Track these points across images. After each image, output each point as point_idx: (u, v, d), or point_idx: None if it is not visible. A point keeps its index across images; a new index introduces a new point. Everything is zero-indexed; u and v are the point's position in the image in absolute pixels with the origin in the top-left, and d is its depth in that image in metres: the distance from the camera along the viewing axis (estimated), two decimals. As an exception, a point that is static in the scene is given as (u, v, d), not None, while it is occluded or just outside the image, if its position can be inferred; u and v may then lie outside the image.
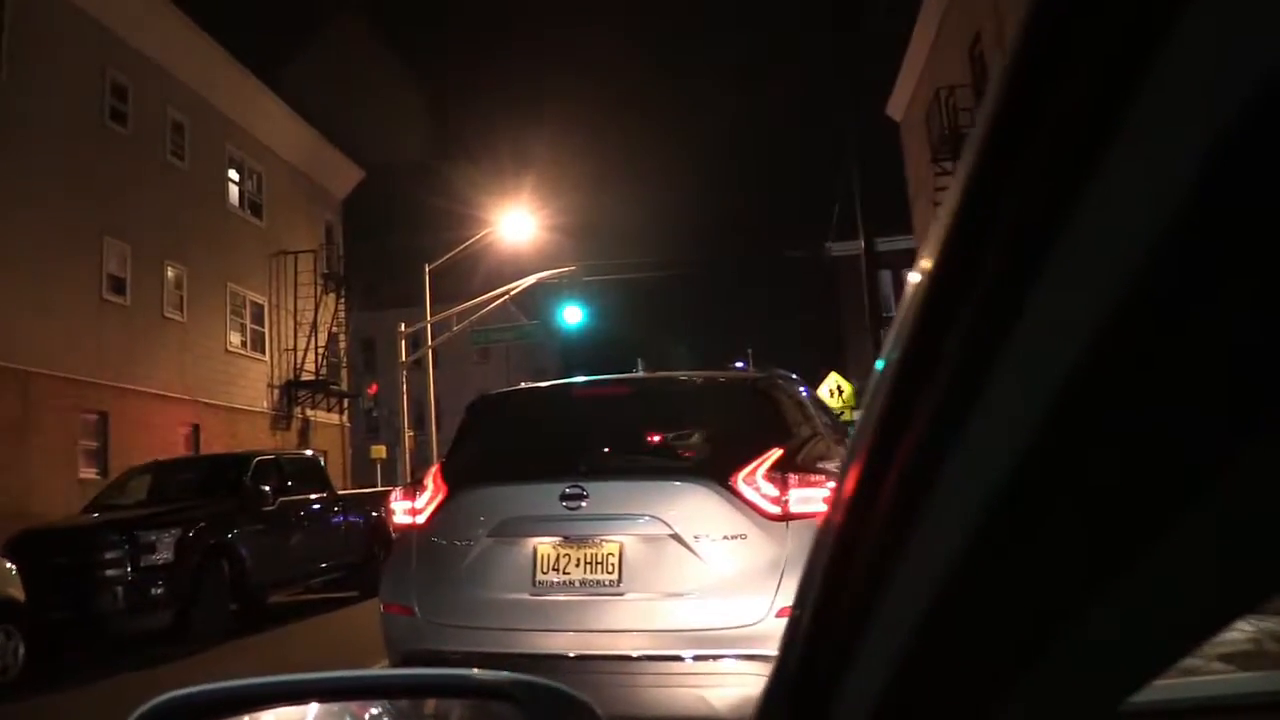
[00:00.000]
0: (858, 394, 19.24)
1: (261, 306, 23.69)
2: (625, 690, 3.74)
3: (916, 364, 0.42)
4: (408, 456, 24.86)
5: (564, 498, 3.96)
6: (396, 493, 4.63)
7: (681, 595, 3.79)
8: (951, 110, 20.55)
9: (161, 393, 19.04)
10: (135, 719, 1.01)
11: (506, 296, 24.46)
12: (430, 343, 24.82)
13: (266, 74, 23.76)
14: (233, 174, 23.07)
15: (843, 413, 16.00)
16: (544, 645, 3.89)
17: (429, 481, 4.44)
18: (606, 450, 4.42)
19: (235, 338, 22.54)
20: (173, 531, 10.17)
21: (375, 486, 19.67)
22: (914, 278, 0.43)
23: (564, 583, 3.94)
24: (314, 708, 1.29)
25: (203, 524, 10.66)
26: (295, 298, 24.62)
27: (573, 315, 26.94)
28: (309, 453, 16.41)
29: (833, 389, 20.17)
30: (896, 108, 29.10)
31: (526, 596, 3.98)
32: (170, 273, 20.03)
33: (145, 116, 19.44)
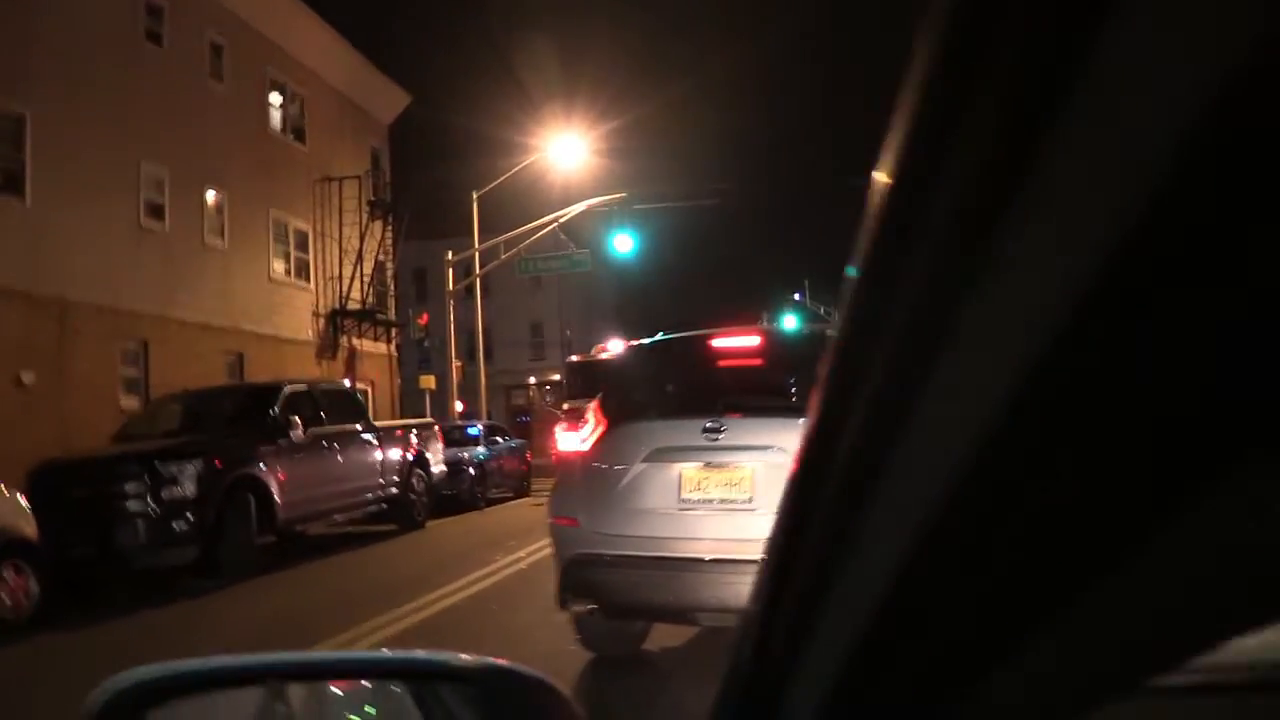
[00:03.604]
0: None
1: (306, 234, 23.22)
2: None
3: (871, 323, 0.40)
4: (455, 387, 24.56)
5: (705, 431, 4.66)
6: (561, 425, 5.94)
7: None
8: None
9: (204, 321, 18.76)
10: (98, 697, 1.01)
11: (554, 224, 23.85)
12: (479, 271, 24.37)
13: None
14: (274, 97, 22.45)
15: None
16: (687, 550, 4.59)
17: (590, 416, 5.21)
18: (740, 391, 5.07)
19: (279, 265, 22.13)
20: (196, 463, 9.81)
21: (424, 416, 19.37)
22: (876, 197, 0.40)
23: (705, 500, 4.66)
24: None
25: (228, 455, 10.29)
26: (341, 225, 24.10)
27: (624, 244, 26.26)
28: (345, 383, 16.07)
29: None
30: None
31: (674, 510, 4.70)
32: (210, 198, 19.62)
33: (182, 37, 18.88)
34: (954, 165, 0.33)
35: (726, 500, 4.62)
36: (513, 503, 17.92)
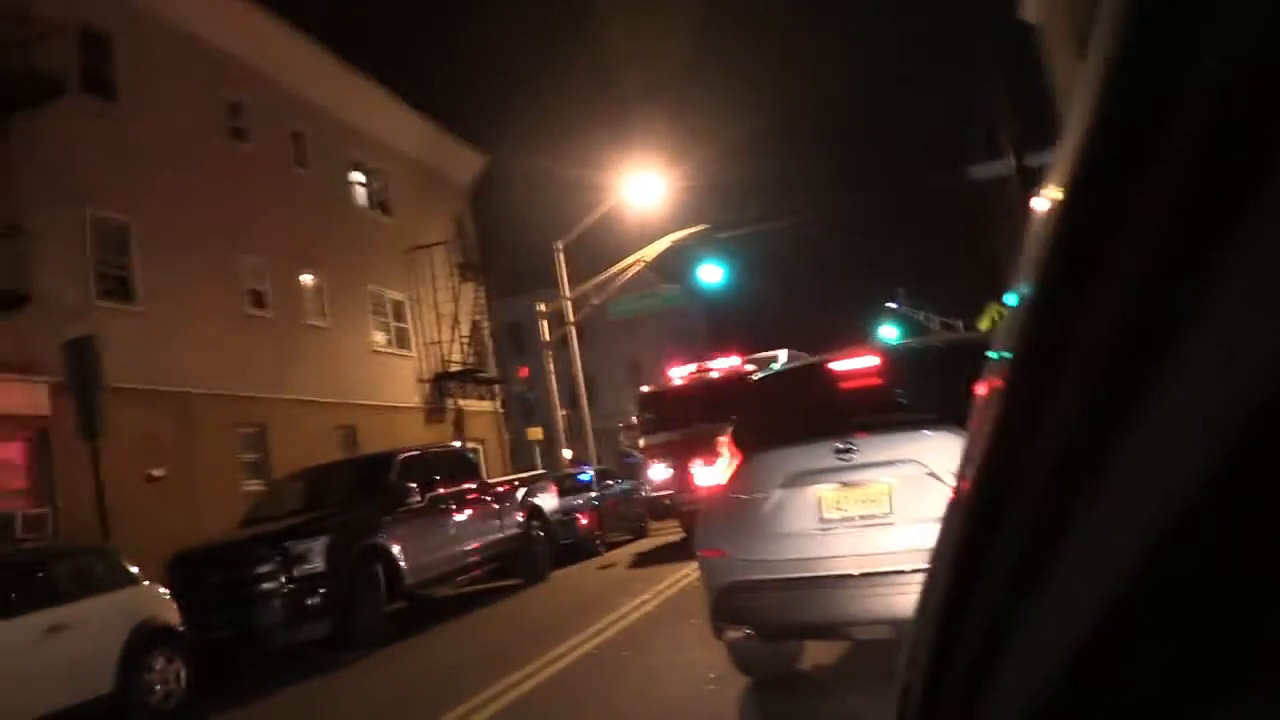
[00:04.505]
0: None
1: (402, 303, 23.83)
2: (903, 597, 4.33)
3: (1057, 355, 0.37)
4: (562, 435, 24.71)
5: (837, 451, 4.85)
6: (697, 461, 6.03)
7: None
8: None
9: (314, 399, 19.31)
10: None
11: (640, 264, 23.92)
12: (571, 319, 24.55)
13: (377, 70, 23.78)
14: (357, 175, 23.19)
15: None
16: (833, 567, 4.77)
17: (723, 450, 5.49)
18: (864, 410, 5.24)
19: (380, 337, 22.73)
20: (323, 539, 10.02)
21: (535, 469, 19.51)
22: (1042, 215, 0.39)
23: (844, 518, 4.83)
24: None
25: (352, 528, 10.48)
26: (434, 290, 24.69)
27: (711, 274, 26.15)
28: (456, 444, 16.29)
29: (995, 317, 18.97)
30: (1031, 9, 26.95)
31: (816, 531, 4.89)
32: (309, 280, 20.28)
33: (264, 130, 19.67)
34: (1158, 181, 0.31)
35: (866, 516, 4.79)
36: (632, 545, 17.85)
